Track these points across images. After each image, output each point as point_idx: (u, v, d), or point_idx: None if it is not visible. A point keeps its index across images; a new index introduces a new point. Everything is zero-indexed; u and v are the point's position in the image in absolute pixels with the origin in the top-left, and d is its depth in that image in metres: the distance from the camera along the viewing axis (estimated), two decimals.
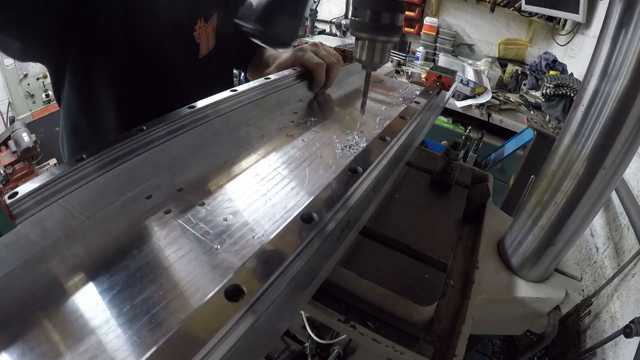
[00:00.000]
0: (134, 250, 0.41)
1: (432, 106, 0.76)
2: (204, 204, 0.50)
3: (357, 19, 0.55)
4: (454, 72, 0.85)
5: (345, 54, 0.97)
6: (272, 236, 0.33)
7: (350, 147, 0.67)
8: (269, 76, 0.74)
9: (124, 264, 0.39)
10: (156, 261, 0.40)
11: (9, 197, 0.39)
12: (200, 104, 0.62)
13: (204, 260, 0.40)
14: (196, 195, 0.51)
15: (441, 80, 0.84)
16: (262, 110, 0.73)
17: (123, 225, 0.45)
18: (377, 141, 0.53)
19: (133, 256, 0.40)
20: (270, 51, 1.04)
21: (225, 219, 0.47)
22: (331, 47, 0.90)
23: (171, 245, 0.42)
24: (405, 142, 0.58)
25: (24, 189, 0.40)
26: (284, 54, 0.93)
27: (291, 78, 0.79)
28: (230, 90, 0.67)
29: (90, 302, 0.36)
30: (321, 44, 0.87)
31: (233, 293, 0.27)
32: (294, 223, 0.35)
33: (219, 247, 0.42)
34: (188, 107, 0.60)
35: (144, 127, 0.54)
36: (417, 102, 0.69)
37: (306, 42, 0.93)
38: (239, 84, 0.72)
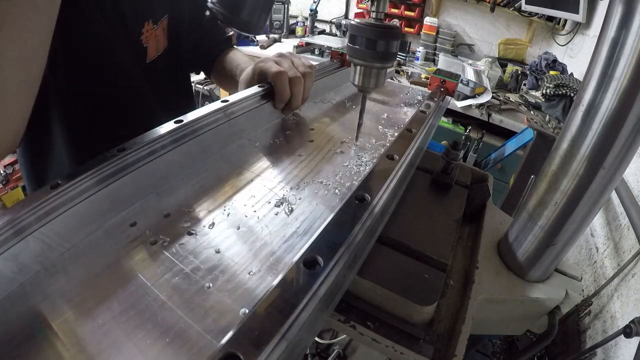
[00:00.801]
0: (117, 289, 0.38)
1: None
2: (193, 232, 0.46)
3: (353, 45, 0.55)
4: (457, 76, 0.84)
5: (342, 57, 0.96)
6: (274, 283, 0.30)
7: (353, 161, 0.63)
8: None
9: (108, 306, 0.36)
10: (143, 303, 0.37)
11: None
12: (188, 117, 0.57)
13: (195, 302, 0.37)
14: (185, 222, 0.47)
15: (445, 85, 0.83)
16: (255, 123, 0.68)
17: (106, 259, 0.42)
18: (384, 160, 0.49)
19: (117, 296, 0.38)
20: (234, 61, 0.95)
21: (218, 251, 0.43)
22: (302, 58, 0.79)
23: (158, 283, 0.39)
24: (414, 155, 0.55)
25: None
26: (248, 66, 0.83)
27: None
28: (221, 101, 0.63)
29: (71, 351, 0.33)
30: (291, 54, 0.79)
31: None
32: (295, 269, 0.32)
33: (210, 285, 0.39)
34: (175, 122, 0.56)
35: (125, 147, 0.49)
36: (423, 112, 0.67)
37: (307, 43, 0.90)
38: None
